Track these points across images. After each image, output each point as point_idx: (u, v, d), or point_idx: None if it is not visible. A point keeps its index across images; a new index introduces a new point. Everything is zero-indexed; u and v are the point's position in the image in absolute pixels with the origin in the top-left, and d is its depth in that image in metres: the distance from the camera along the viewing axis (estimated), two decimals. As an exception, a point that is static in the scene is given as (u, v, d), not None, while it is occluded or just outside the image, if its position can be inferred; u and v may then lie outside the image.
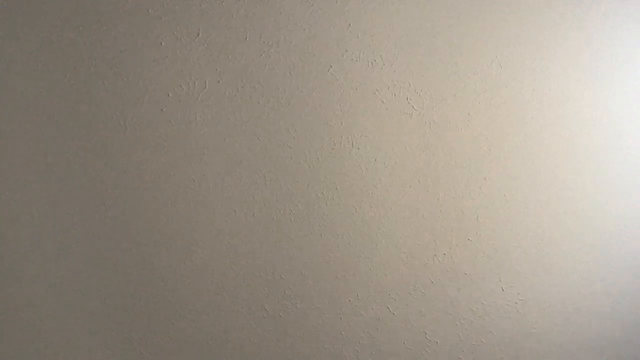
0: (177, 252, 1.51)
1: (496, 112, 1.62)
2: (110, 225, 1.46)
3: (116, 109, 1.41)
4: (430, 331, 1.70)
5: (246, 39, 1.44)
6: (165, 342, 1.55)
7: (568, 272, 1.75)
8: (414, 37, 1.53)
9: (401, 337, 1.69)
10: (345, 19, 1.49)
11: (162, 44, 1.41)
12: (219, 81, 1.45)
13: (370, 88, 1.53)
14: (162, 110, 1.44)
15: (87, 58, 1.38)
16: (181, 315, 1.54)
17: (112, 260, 1.48)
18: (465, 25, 1.56)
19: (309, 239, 1.57)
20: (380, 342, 1.68)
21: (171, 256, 1.51)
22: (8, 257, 1.42)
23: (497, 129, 1.63)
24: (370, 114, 1.54)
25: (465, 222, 1.65)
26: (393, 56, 1.53)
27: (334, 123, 1.53)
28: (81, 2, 1.36)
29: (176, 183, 1.47)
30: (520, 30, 1.59)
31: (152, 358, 1.55)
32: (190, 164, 1.47)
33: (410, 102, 1.56)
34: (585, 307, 1.78)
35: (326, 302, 1.62)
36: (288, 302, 1.61)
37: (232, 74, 1.45)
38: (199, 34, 1.42)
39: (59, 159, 1.41)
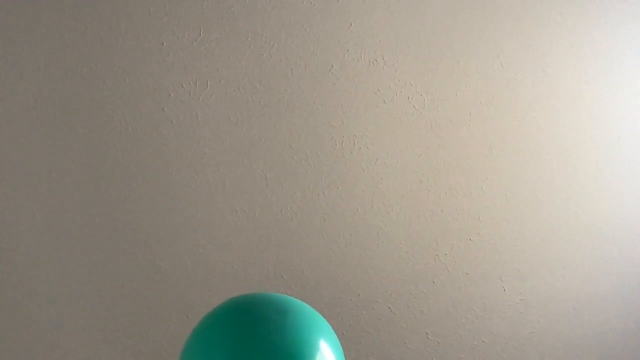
0: (178, 251, 1.51)
1: (497, 111, 1.62)
2: (110, 225, 1.46)
3: (117, 109, 1.41)
4: (432, 331, 1.70)
5: (247, 38, 1.44)
6: (166, 341, 1.54)
7: (569, 272, 1.75)
8: (415, 36, 1.53)
9: (402, 337, 1.69)
10: (347, 18, 1.49)
11: (164, 44, 1.40)
12: (220, 81, 1.45)
13: (371, 88, 1.53)
14: (163, 110, 1.43)
15: (87, 58, 1.38)
16: (182, 315, 1.54)
17: (112, 260, 1.48)
18: (467, 25, 1.56)
19: (310, 238, 1.57)
20: (381, 342, 1.68)
21: (172, 256, 1.50)
22: (8, 257, 1.42)
23: (498, 129, 1.63)
24: (372, 114, 1.54)
25: (467, 222, 1.65)
26: (394, 56, 1.53)
27: (336, 123, 1.53)
28: (82, 2, 1.36)
29: (177, 183, 1.47)
30: (522, 29, 1.59)
31: (152, 357, 1.54)
32: (191, 163, 1.47)
33: (412, 102, 1.56)
34: (586, 307, 1.78)
35: (327, 302, 1.62)
36: (289, 302, 1.61)
37: (233, 73, 1.45)
38: (200, 34, 1.42)
39: (59, 159, 1.41)
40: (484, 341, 1.74)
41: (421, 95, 1.56)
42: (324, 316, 1.64)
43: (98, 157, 1.42)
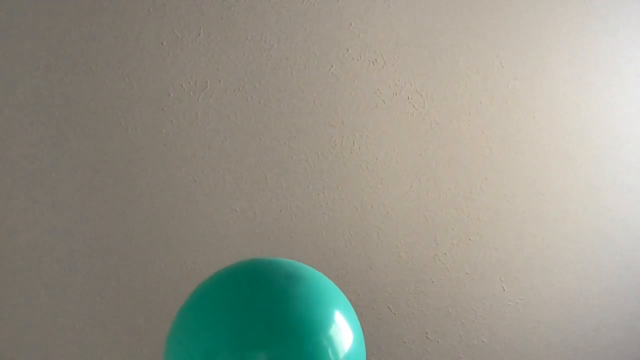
0: (178, 251, 1.51)
1: (497, 111, 1.62)
2: (111, 225, 1.46)
3: (117, 109, 1.41)
4: (431, 331, 1.70)
5: (247, 38, 1.44)
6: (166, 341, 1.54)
7: (569, 272, 1.75)
8: (415, 36, 1.53)
9: (402, 337, 1.69)
10: (346, 18, 1.49)
11: (164, 43, 1.41)
12: (220, 81, 1.45)
13: (371, 87, 1.53)
14: (163, 110, 1.43)
15: (87, 58, 1.38)
16: (182, 315, 1.54)
17: (112, 260, 1.48)
18: (467, 25, 1.56)
19: (309, 238, 1.57)
20: (381, 342, 1.68)
21: (172, 255, 1.50)
22: (8, 257, 1.42)
23: (498, 129, 1.63)
24: (371, 114, 1.54)
25: (466, 221, 1.65)
26: (394, 56, 1.53)
27: (335, 123, 1.53)
28: (81, 2, 1.36)
29: (177, 183, 1.47)
30: (522, 29, 1.59)
31: (152, 357, 1.54)
32: (191, 163, 1.47)
33: (411, 102, 1.56)
34: (586, 307, 1.78)
35: (327, 302, 1.62)
36: (289, 302, 1.60)
37: (233, 73, 1.45)
38: (200, 34, 1.42)
39: (59, 158, 1.41)
40: (483, 341, 1.74)
41: (421, 95, 1.56)
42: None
43: (98, 157, 1.43)
